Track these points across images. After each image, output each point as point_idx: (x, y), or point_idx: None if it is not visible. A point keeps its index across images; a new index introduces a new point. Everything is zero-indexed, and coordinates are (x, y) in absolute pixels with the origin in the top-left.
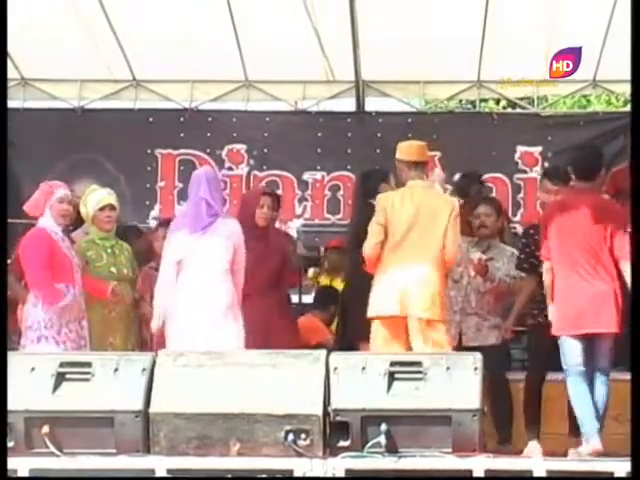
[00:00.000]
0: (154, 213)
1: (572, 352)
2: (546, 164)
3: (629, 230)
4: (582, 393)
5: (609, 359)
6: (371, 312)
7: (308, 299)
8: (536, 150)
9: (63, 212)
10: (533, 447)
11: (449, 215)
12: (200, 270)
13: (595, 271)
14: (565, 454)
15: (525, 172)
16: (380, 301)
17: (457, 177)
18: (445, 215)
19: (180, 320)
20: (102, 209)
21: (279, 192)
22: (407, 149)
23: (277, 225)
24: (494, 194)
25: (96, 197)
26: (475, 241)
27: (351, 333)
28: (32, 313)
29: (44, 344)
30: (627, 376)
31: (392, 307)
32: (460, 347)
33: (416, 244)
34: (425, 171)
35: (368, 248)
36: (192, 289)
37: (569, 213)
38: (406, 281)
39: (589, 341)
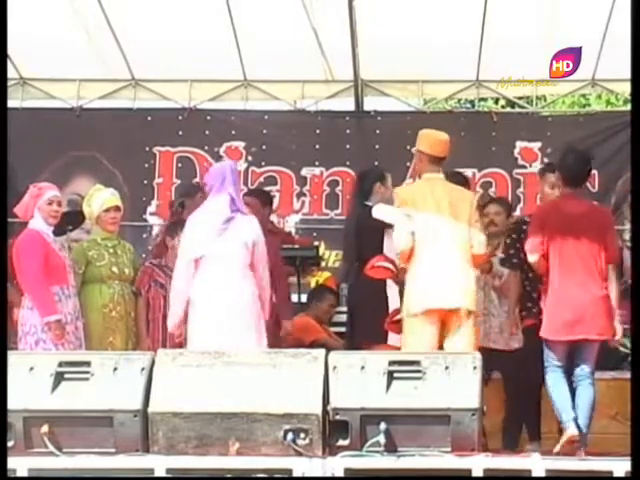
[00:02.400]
0: (151, 209)
1: (556, 351)
2: (545, 159)
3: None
4: (560, 384)
5: (594, 362)
6: (419, 307)
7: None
8: (535, 145)
9: (53, 213)
10: (534, 448)
11: (470, 207)
12: (219, 267)
13: (590, 277)
14: (565, 453)
15: (524, 167)
16: (429, 295)
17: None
18: (466, 209)
19: (201, 320)
20: (107, 210)
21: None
22: (435, 144)
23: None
24: (493, 189)
25: (101, 198)
26: None
27: (359, 335)
28: (29, 317)
29: (42, 347)
30: (626, 375)
31: (445, 300)
32: (484, 347)
33: (447, 237)
34: (442, 166)
35: (402, 240)
36: (211, 287)
37: (563, 218)
38: (449, 274)
39: (575, 344)
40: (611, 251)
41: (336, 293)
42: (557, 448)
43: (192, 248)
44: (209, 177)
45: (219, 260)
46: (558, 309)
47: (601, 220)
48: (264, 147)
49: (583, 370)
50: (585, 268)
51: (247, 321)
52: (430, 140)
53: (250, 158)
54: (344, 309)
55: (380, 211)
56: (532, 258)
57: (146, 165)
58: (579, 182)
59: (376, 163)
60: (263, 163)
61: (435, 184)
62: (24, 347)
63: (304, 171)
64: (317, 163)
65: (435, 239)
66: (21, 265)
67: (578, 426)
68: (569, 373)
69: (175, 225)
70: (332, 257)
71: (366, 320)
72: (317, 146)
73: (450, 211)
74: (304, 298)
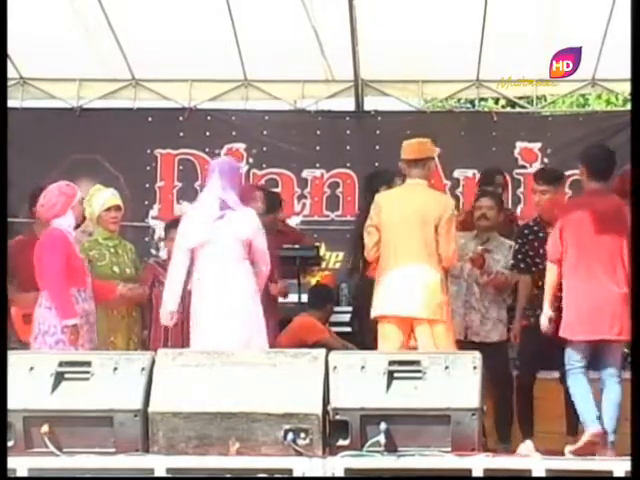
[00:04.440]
0: (153, 213)
1: (578, 353)
2: (546, 160)
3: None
4: (583, 388)
5: (619, 361)
6: (375, 312)
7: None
8: (535, 146)
9: (83, 213)
10: (527, 446)
11: (440, 217)
12: (214, 262)
13: (611, 275)
14: (561, 453)
15: (525, 167)
16: (382, 301)
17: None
18: (435, 217)
19: (202, 315)
20: (108, 210)
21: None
22: (407, 147)
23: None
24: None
25: (102, 198)
26: (474, 234)
27: (366, 335)
28: (48, 317)
29: (62, 348)
30: (626, 375)
31: (394, 307)
32: (465, 341)
33: (412, 244)
34: (428, 168)
35: (367, 251)
36: (208, 283)
37: (586, 215)
38: (406, 281)
39: (597, 343)
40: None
41: (336, 293)
42: (574, 447)
43: (186, 238)
44: (208, 172)
45: (212, 255)
46: (577, 308)
47: (626, 218)
48: (265, 149)
49: (608, 371)
50: (605, 267)
51: (244, 316)
52: (406, 146)
53: (251, 160)
54: (344, 309)
55: None
56: (550, 267)
57: (148, 168)
58: (604, 176)
59: (376, 164)
60: (264, 165)
61: (411, 191)
62: (40, 346)
63: (305, 173)
64: (318, 165)
65: (401, 246)
66: (43, 263)
67: (603, 426)
68: (594, 370)
69: (170, 226)
70: (332, 259)
71: (371, 321)
72: (317, 147)
73: (420, 219)
74: (304, 298)
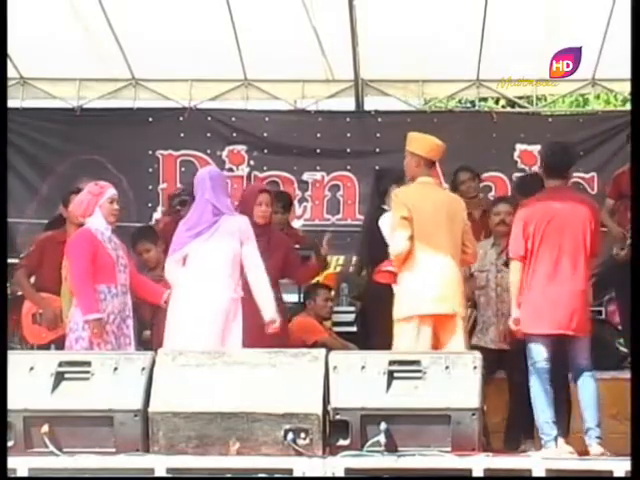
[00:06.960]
0: (157, 215)
1: (539, 349)
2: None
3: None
4: (543, 394)
5: (589, 357)
6: (411, 311)
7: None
8: (535, 149)
9: (114, 212)
10: (528, 447)
11: (463, 213)
12: (202, 268)
13: (572, 272)
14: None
15: (524, 171)
16: (421, 299)
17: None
18: (462, 214)
19: (180, 317)
20: None
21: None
22: (433, 148)
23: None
24: (493, 193)
25: None
26: (492, 242)
27: (371, 338)
28: (74, 314)
29: (81, 345)
30: (626, 375)
31: (437, 305)
32: (500, 350)
33: (443, 242)
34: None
35: (400, 243)
36: (194, 287)
37: (546, 214)
38: (443, 279)
39: (562, 341)
40: (595, 245)
41: (330, 288)
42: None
43: (178, 249)
44: (194, 186)
45: (202, 262)
46: (539, 303)
47: (585, 213)
48: (265, 150)
49: (577, 365)
50: (568, 263)
51: (228, 322)
52: (427, 144)
53: (252, 162)
54: (344, 309)
55: (383, 223)
56: (514, 264)
57: (150, 170)
58: (559, 174)
59: (377, 167)
60: (265, 168)
61: (430, 189)
62: (68, 344)
63: (305, 175)
64: (318, 167)
65: (431, 244)
66: (70, 263)
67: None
68: (562, 371)
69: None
70: (334, 262)
71: (377, 324)
72: (318, 150)
73: (447, 217)
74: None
